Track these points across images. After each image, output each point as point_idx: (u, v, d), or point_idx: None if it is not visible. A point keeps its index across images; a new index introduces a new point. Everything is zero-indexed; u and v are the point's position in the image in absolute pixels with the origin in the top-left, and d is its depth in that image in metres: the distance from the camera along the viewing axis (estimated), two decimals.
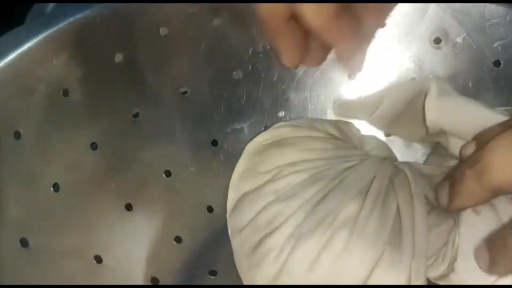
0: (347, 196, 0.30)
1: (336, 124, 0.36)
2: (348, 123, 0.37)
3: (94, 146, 0.40)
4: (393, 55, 0.39)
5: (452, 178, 0.31)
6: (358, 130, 0.37)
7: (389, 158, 0.34)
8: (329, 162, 0.32)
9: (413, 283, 0.29)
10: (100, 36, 0.38)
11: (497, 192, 0.29)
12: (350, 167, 0.32)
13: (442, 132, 0.34)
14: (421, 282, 0.29)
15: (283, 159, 0.33)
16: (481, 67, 0.38)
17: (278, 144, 0.35)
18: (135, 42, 0.39)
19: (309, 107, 0.41)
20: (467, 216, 0.31)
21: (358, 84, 0.40)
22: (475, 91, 0.38)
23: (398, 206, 0.30)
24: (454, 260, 0.31)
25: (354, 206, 0.30)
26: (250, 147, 0.36)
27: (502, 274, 0.29)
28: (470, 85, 0.38)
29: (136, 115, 0.41)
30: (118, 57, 0.39)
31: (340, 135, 0.35)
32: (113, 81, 0.39)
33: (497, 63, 0.37)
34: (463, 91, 0.37)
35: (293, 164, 0.33)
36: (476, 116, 0.32)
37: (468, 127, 0.32)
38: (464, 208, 0.31)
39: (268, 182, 0.33)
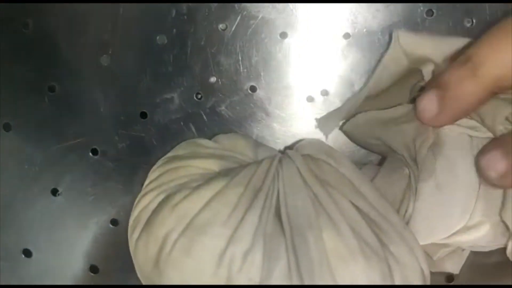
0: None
1: (231, 138, 0.37)
2: (245, 136, 0.38)
3: (7, 127, 0.37)
4: (324, 9, 0.38)
5: (441, 83, 0.28)
6: (254, 142, 0.37)
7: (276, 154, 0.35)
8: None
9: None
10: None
11: (494, 88, 0.27)
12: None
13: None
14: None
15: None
16: (413, 18, 0.38)
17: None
18: (45, 8, 0.36)
19: (241, 70, 0.40)
20: (428, 189, 0.32)
21: (290, 43, 0.39)
22: None
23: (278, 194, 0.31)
24: None
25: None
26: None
27: None
28: None
29: (52, 89, 0.39)
30: (28, 25, 0.35)
31: (235, 148, 0.36)
32: (23, 53, 0.37)
33: (429, 13, 0.37)
34: None
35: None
36: (450, 40, 0.33)
37: (444, 50, 0.32)
38: (456, 117, 0.30)
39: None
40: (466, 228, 0.31)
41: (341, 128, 0.39)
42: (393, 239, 0.29)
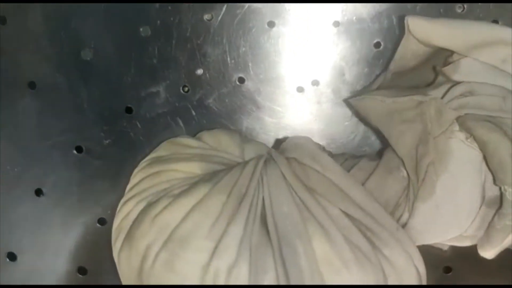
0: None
1: (215, 135, 0.35)
2: (231, 132, 0.36)
3: None
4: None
5: None
6: (240, 138, 0.36)
7: (261, 156, 0.33)
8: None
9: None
10: None
11: None
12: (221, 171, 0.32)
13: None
14: None
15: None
16: (404, 4, 0.37)
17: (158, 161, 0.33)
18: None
19: (229, 61, 0.39)
20: (426, 209, 0.31)
21: (279, 32, 0.38)
22: (401, 28, 0.37)
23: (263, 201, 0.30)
24: None
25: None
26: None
27: None
28: (394, 23, 0.37)
29: (32, 86, 0.38)
30: (3, 19, 0.34)
31: (220, 146, 0.34)
32: (0, 50, 0.35)
33: None
34: (388, 30, 0.37)
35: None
36: (467, 26, 0.32)
37: (462, 38, 0.31)
38: None
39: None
40: (461, 237, 0.31)
41: (345, 100, 0.38)
42: (386, 241, 0.29)
